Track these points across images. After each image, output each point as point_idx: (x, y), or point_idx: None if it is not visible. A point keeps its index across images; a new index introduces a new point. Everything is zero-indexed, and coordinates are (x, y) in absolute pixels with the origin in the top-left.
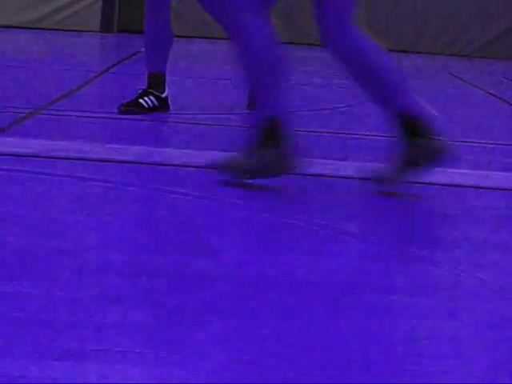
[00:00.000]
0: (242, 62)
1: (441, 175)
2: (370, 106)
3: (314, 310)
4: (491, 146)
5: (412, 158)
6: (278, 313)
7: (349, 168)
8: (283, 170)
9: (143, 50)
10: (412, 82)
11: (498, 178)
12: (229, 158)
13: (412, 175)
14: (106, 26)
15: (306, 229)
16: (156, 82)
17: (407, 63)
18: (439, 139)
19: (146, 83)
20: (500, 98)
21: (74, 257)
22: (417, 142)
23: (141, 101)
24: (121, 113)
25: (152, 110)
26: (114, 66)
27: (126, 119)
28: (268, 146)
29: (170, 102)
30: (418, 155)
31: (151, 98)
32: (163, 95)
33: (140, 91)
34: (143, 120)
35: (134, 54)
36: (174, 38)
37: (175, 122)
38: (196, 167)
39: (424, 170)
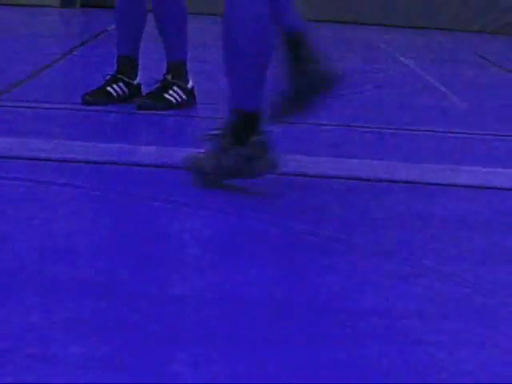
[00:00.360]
0: (228, 48)
1: (469, 175)
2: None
3: (316, 336)
4: None
5: (299, 88)
6: (271, 341)
7: (344, 166)
8: (254, 173)
9: (112, 28)
10: (432, 63)
11: None
12: (192, 159)
13: (299, 108)
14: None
15: (301, 240)
16: (126, 67)
17: (425, 41)
18: (326, 63)
19: (115, 67)
20: None
21: (31, 274)
22: (303, 67)
23: (109, 89)
24: (85, 103)
25: (122, 99)
26: (76, 47)
27: (90, 111)
28: (238, 144)
29: (142, 90)
30: (305, 83)
31: (120, 85)
32: (135, 82)
33: (108, 77)
34: (111, 111)
35: (100, 34)
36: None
37: (148, 113)
38: (173, 168)
39: (311, 101)
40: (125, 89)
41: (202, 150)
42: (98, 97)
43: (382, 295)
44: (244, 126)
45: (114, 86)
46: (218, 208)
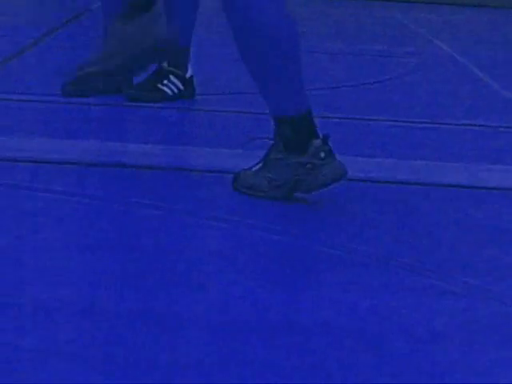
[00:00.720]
0: (246, 49)
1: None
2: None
3: (348, 368)
4: None
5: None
6: (277, 368)
7: (370, 167)
8: (319, 184)
9: (95, 6)
10: (472, 46)
11: None
12: (240, 175)
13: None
14: None
15: (317, 252)
16: None
17: (463, 20)
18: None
19: None
20: None
21: (4, 293)
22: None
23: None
24: (66, 94)
25: (108, 90)
26: (55, 29)
27: (72, 103)
28: (296, 153)
29: (133, 79)
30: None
31: None
32: None
33: None
34: (96, 104)
35: (81, 14)
36: None
37: (139, 106)
38: (167, 169)
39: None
40: None
41: (247, 167)
42: (81, 86)
43: (408, 316)
44: (296, 132)
45: None
46: (221, 216)
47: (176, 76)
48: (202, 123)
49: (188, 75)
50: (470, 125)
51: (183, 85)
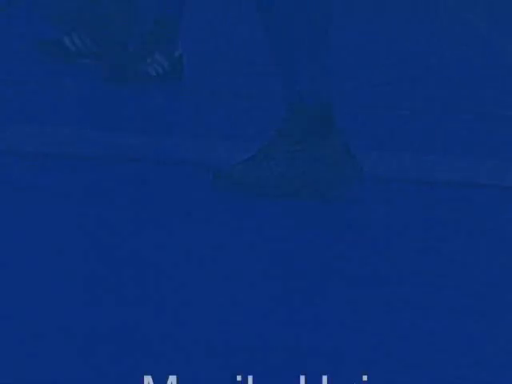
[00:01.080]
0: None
1: None
2: None
3: None
4: None
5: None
6: None
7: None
8: (336, 183)
9: None
10: (508, 22)
11: None
12: (236, 169)
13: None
14: None
15: (332, 266)
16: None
17: None
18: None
19: None
20: None
21: None
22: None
23: (66, 40)
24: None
25: (85, 56)
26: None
27: (34, 83)
28: (311, 146)
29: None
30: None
31: (84, 37)
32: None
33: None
34: (65, 85)
35: None
36: None
37: (116, 88)
38: (148, 162)
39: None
40: (90, 44)
41: (241, 159)
42: (50, 50)
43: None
44: (314, 123)
45: (75, 36)
46: (211, 218)
47: (162, 53)
48: (190, 109)
49: (176, 53)
50: (503, 116)
51: (170, 64)
